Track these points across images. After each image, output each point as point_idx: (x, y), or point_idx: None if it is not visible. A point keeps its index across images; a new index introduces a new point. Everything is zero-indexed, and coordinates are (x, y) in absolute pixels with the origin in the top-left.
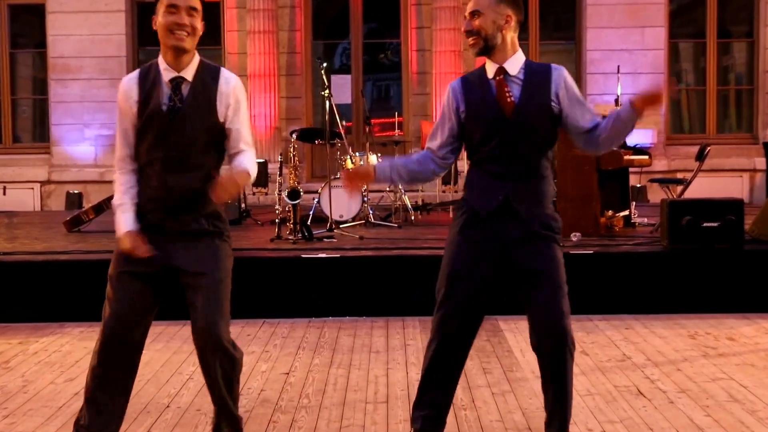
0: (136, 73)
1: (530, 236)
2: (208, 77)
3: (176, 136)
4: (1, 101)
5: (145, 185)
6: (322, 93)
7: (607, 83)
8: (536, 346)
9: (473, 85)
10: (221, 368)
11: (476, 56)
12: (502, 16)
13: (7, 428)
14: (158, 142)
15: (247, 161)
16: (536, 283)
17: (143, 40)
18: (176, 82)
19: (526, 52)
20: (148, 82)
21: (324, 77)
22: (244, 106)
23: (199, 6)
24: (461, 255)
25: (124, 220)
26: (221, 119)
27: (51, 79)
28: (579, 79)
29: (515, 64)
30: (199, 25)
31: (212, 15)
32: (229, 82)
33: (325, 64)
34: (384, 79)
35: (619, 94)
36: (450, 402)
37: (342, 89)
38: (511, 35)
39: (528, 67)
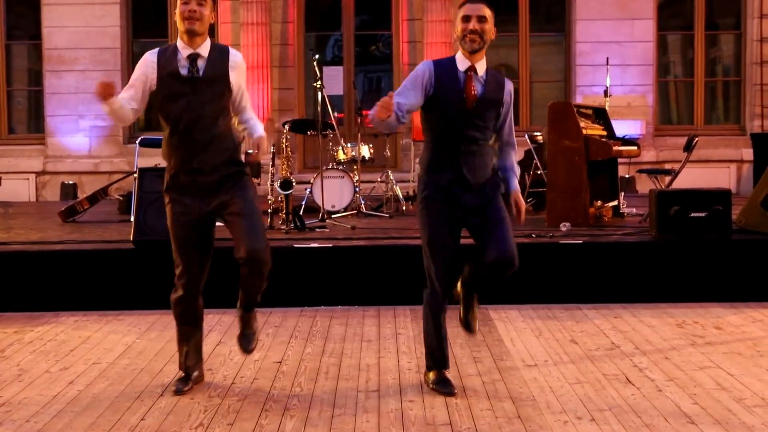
0: (156, 49)
1: (484, 202)
2: (219, 54)
3: (197, 100)
4: None
5: (172, 146)
6: (315, 84)
7: (597, 75)
8: (488, 263)
9: (445, 72)
10: (261, 273)
11: (471, 53)
12: (493, 28)
13: (2, 416)
14: (181, 105)
15: (261, 127)
16: (489, 224)
17: (138, 33)
18: (193, 57)
19: (516, 44)
20: (167, 56)
21: (316, 69)
22: (245, 76)
23: None
24: (434, 223)
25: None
26: (232, 85)
27: (46, 71)
28: (569, 70)
29: (482, 67)
30: (208, 12)
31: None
32: (236, 56)
33: (317, 56)
34: (375, 71)
35: (608, 85)
36: None
37: (334, 81)
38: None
39: (489, 72)
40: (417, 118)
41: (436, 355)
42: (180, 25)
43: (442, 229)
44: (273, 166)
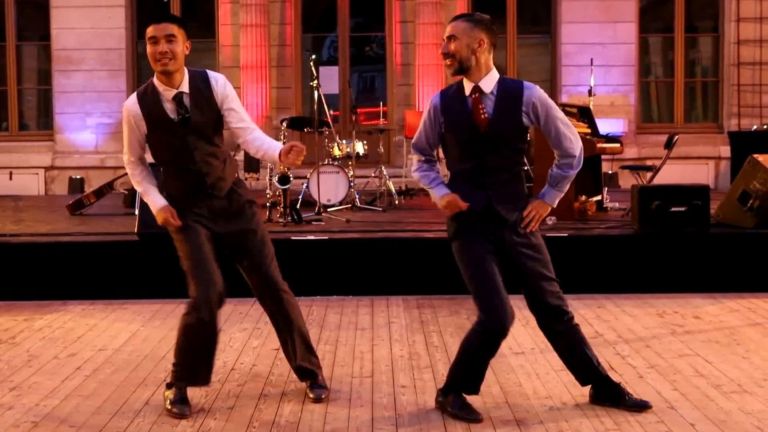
0: (134, 96)
1: (525, 238)
2: (200, 84)
3: (192, 138)
4: (8, 91)
5: (172, 182)
6: (311, 84)
7: (581, 75)
8: (541, 327)
9: (451, 101)
10: (288, 304)
11: (452, 76)
12: (475, 39)
13: (13, 400)
14: (178, 146)
15: (277, 142)
16: (526, 275)
17: (142, 34)
18: (179, 98)
19: (504, 46)
20: (148, 100)
21: (313, 69)
22: (233, 93)
23: (177, 32)
24: (475, 246)
25: (154, 200)
26: (219, 109)
27: (55, 71)
28: (554, 70)
29: (489, 82)
30: (180, 47)
31: (207, 9)
32: (217, 80)
33: (313, 56)
34: (369, 71)
35: (592, 85)
36: None
37: (330, 80)
38: (485, 57)
39: (502, 83)
40: (409, 116)
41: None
42: (153, 65)
43: (482, 250)
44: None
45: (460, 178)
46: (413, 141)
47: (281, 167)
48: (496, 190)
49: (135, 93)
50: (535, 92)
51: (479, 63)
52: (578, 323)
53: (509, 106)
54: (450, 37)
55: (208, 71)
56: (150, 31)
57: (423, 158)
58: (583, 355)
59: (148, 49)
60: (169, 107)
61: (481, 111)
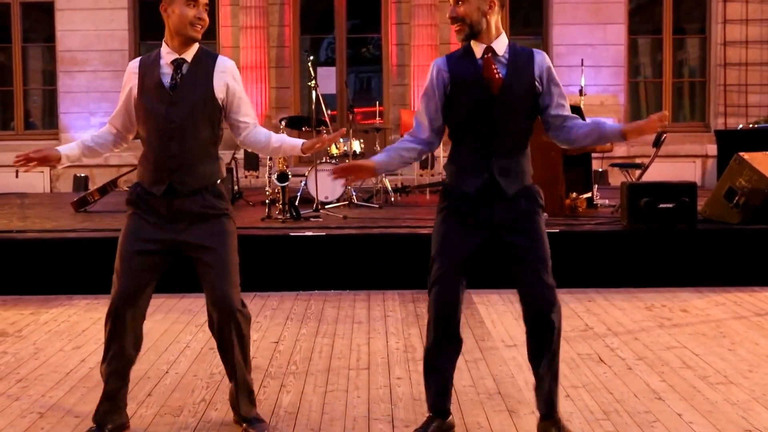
0: (139, 58)
1: (518, 215)
2: (205, 58)
3: (177, 108)
4: (14, 91)
5: (147, 158)
6: (309, 84)
7: (572, 75)
8: (524, 319)
9: (459, 63)
10: (235, 331)
11: (462, 42)
12: (485, 1)
13: (20, 392)
14: (160, 114)
15: (281, 135)
16: (523, 259)
17: (144, 35)
18: (178, 63)
19: None
20: (149, 64)
21: (311, 69)
22: (240, 83)
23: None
24: (451, 226)
25: (67, 145)
26: (218, 94)
27: (59, 71)
28: None
29: (501, 45)
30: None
31: (208, 11)
32: (225, 63)
33: (311, 57)
34: (366, 71)
35: (582, 85)
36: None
37: (327, 80)
38: (495, 18)
39: (512, 48)
40: (405, 115)
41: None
42: (181, 29)
43: (456, 237)
44: (270, 159)
45: (462, 149)
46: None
47: (280, 164)
48: (500, 160)
49: (140, 57)
50: (546, 58)
51: (490, 25)
52: (558, 330)
53: (523, 68)
54: (458, 0)
55: (221, 56)
56: None
57: (408, 139)
58: (550, 388)
59: (183, 10)
60: (166, 71)
61: (496, 71)
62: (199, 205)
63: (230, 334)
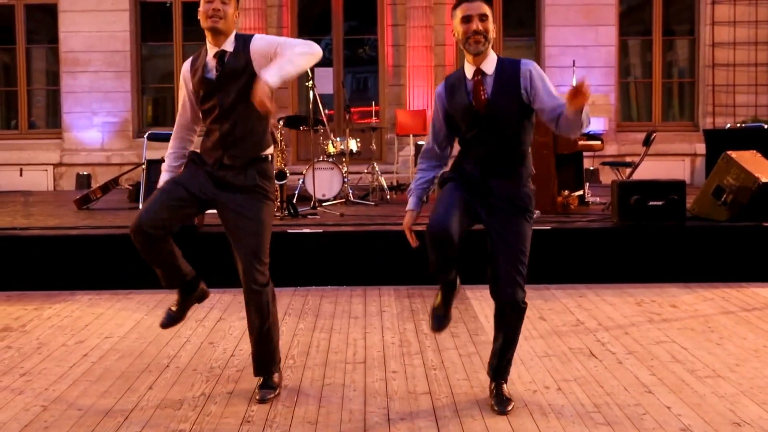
0: (190, 58)
1: (506, 209)
2: (243, 43)
3: (225, 96)
4: (18, 92)
5: (206, 137)
6: (307, 84)
7: (564, 76)
8: (495, 299)
9: (454, 87)
10: (255, 306)
11: (475, 54)
12: (495, 25)
13: (24, 385)
14: (213, 103)
15: (276, 71)
16: (501, 250)
17: (145, 36)
18: (220, 55)
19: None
20: (198, 61)
21: (308, 70)
22: (272, 42)
23: None
24: (454, 187)
25: (162, 178)
26: (257, 70)
27: (62, 72)
28: None
29: (490, 64)
30: (232, 10)
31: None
32: (256, 39)
33: None
34: (362, 72)
35: (574, 85)
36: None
37: (325, 81)
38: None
39: (500, 64)
40: (400, 115)
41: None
42: (203, 22)
43: (458, 189)
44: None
45: (465, 153)
46: (423, 148)
47: (278, 163)
48: (491, 168)
49: (191, 57)
50: (531, 64)
51: (488, 48)
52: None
53: (508, 83)
54: (483, 17)
55: (255, 35)
56: None
57: (424, 165)
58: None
59: (202, 6)
60: (211, 64)
61: (482, 93)
62: (247, 180)
63: (251, 307)
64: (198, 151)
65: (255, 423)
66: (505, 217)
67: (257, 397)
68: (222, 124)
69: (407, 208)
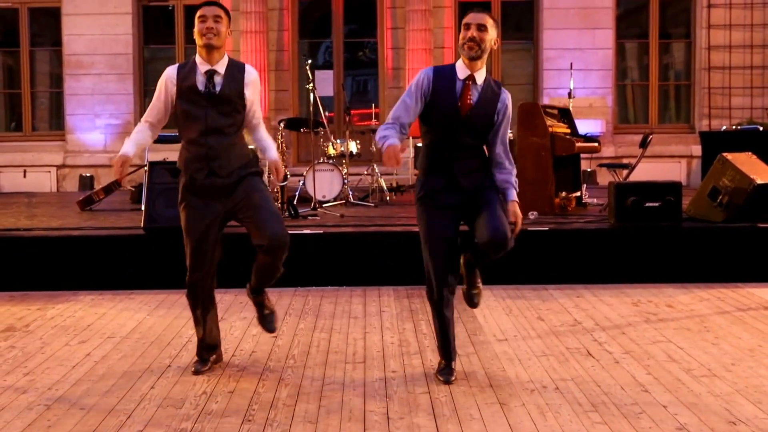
0: (176, 65)
1: (475, 194)
2: (236, 71)
3: (213, 114)
4: (22, 94)
5: (189, 150)
6: (307, 86)
7: (561, 79)
8: (482, 243)
9: (443, 79)
10: (281, 259)
11: (470, 60)
12: (494, 38)
13: (27, 384)
14: (199, 117)
15: (274, 149)
16: (482, 210)
17: (147, 40)
18: (210, 73)
19: (489, 52)
20: (186, 71)
21: (309, 72)
22: (258, 89)
23: (222, 15)
24: (430, 221)
25: (123, 147)
26: (246, 100)
27: (66, 74)
28: (536, 74)
29: (481, 76)
30: (224, 28)
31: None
32: (251, 74)
33: (309, 61)
34: (362, 74)
35: (572, 87)
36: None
37: (325, 83)
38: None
39: (487, 82)
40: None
41: (439, 347)
42: (198, 41)
43: (437, 225)
44: None
45: (430, 152)
46: (391, 112)
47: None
48: (460, 164)
49: (177, 64)
50: (509, 98)
51: (484, 58)
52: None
53: (490, 100)
54: (481, 26)
55: (247, 65)
56: (201, 11)
57: (391, 122)
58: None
59: (197, 26)
60: (200, 80)
61: (469, 97)
62: (234, 177)
63: (278, 262)
64: (180, 169)
65: (256, 422)
66: (477, 200)
67: (267, 328)
68: (207, 138)
69: (388, 143)
